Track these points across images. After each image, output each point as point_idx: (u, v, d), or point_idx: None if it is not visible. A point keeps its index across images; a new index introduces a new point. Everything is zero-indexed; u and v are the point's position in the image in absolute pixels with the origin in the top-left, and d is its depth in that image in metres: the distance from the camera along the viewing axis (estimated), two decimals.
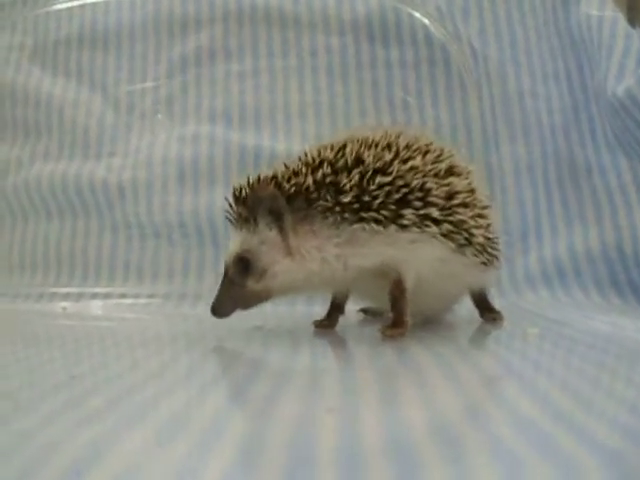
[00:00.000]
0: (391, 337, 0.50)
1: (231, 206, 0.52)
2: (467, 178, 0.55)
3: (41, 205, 0.88)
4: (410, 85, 0.86)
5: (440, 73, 0.86)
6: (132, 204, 0.85)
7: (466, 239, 0.52)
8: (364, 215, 0.49)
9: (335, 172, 0.50)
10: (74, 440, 0.25)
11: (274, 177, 0.50)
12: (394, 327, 0.51)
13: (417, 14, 0.87)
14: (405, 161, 0.51)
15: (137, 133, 0.88)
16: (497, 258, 0.58)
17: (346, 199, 0.49)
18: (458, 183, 0.53)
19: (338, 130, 0.79)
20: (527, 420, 0.29)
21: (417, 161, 0.51)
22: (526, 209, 0.83)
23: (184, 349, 0.53)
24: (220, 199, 0.55)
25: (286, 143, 0.84)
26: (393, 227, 0.49)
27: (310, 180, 0.49)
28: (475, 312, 0.63)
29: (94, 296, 0.82)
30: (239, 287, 0.51)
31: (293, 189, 0.49)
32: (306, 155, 0.52)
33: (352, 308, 0.63)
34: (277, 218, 0.50)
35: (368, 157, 0.50)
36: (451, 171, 0.53)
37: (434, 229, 0.50)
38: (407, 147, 0.52)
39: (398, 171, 0.50)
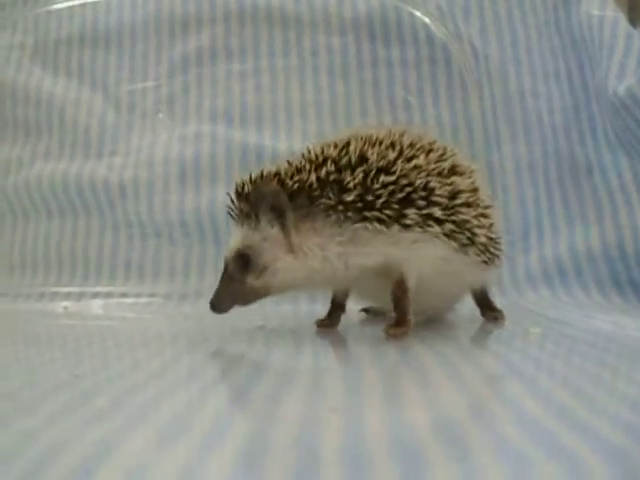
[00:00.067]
0: (394, 336, 0.50)
1: (233, 202, 0.52)
2: (470, 177, 0.55)
3: (42, 204, 0.88)
4: (411, 84, 0.86)
5: (441, 72, 0.86)
6: (133, 203, 0.85)
7: (469, 239, 0.52)
8: (367, 214, 0.49)
9: (339, 170, 0.49)
10: (78, 441, 0.25)
11: (277, 174, 0.50)
12: (397, 326, 0.51)
13: (418, 13, 0.87)
14: (409, 160, 0.51)
15: (138, 132, 0.88)
16: (499, 257, 0.58)
17: (349, 197, 0.49)
18: (461, 182, 0.53)
19: (339, 129, 0.79)
20: (530, 418, 0.29)
21: (421, 160, 0.51)
22: (527, 208, 0.83)
23: (185, 349, 0.53)
24: (221, 198, 0.54)
25: (287, 142, 0.84)
26: (396, 227, 0.49)
27: (313, 177, 0.49)
28: (476, 311, 0.62)
29: (95, 295, 0.82)
30: (239, 283, 0.50)
31: (296, 186, 0.49)
32: (309, 152, 0.52)
33: (354, 308, 0.63)
34: (279, 215, 0.49)
35: (372, 155, 0.50)
36: (454, 170, 0.53)
37: (437, 229, 0.50)
38: (411, 145, 0.52)
39: (402, 170, 0.49)
